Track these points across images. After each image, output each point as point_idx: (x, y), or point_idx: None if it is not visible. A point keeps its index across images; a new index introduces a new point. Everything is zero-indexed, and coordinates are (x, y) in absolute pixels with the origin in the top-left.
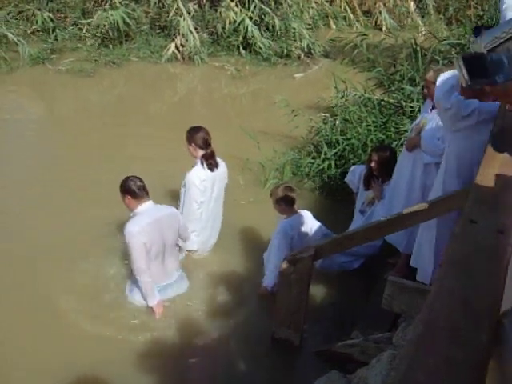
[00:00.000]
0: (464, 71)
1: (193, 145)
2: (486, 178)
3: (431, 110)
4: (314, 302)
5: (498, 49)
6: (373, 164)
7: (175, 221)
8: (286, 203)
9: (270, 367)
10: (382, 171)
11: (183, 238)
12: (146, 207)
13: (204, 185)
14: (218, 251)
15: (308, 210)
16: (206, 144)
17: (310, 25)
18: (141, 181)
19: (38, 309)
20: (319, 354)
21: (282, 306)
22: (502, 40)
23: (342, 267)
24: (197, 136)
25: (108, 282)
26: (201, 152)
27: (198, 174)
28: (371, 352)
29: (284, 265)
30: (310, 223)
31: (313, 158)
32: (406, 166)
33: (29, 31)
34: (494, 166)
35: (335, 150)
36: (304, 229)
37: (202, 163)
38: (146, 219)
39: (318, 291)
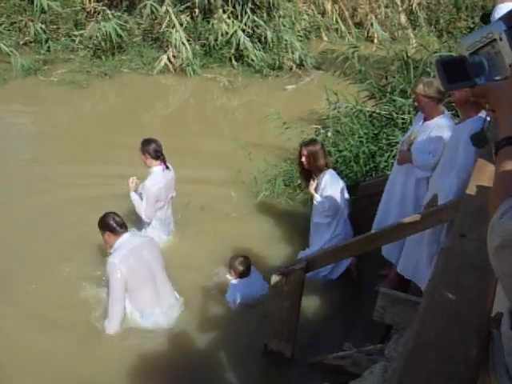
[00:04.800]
0: (441, 76)
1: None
2: (475, 190)
3: (423, 123)
4: (305, 314)
5: (479, 52)
6: (303, 159)
7: (155, 246)
8: (236, 273)
9: (261, 380)
10: (314, 165)
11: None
12: (124, 239)
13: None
14: (209, 263)
15: (299, 221)
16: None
17: (301, 36)
18: (119, 216)
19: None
20: (311, 366)
21: (274, 318)
22: (482, 45)
23: (326, 277)
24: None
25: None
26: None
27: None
28: (363, 364)
29: (276, 277)
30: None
31: None
32: (399, 179)
33: (21, 42)
34: (483, 180)
35: None
36: (248, 292)
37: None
38: (126, 247)
39: (309, 303)
